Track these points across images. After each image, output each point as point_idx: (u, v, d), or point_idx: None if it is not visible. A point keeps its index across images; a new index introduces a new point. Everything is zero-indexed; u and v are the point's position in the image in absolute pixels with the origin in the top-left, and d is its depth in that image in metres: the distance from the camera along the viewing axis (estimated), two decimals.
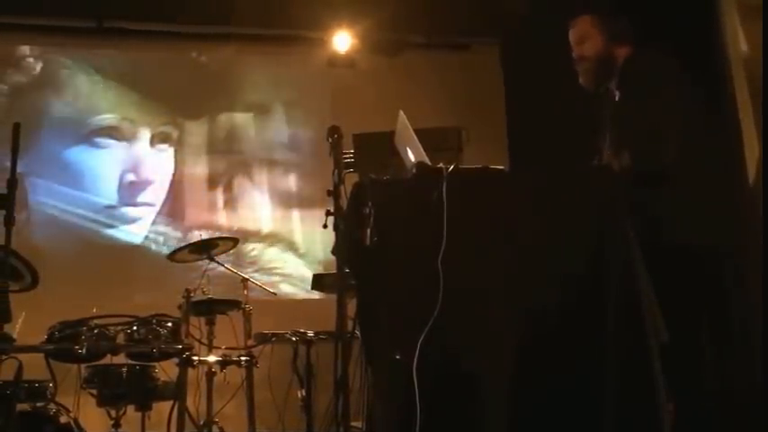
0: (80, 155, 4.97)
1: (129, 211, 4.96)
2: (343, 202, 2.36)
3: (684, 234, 2.18)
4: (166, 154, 5.12)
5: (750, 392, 2.62)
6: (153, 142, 5.09)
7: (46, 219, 4.82)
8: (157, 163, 5.08)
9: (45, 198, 4.84)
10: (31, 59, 5.00)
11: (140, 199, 5.00)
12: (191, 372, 3.43)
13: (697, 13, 3.52)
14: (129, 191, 4.99)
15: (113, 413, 3.35)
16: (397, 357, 2.09)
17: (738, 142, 3.25)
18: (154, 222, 4.98)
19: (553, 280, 2.12)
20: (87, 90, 5.05)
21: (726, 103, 3.37)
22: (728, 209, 2.18)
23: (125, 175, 4.99)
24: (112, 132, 5.04)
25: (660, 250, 2.12)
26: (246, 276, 3.94)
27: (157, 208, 5.01)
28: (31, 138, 4.76)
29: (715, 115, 2.94)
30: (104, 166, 4.97)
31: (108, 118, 5.04)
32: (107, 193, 4.95)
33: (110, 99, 5.06)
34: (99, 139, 5.01)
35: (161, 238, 4.94)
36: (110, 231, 4.91)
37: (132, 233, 4.94)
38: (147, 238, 4.94)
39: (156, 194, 5.03)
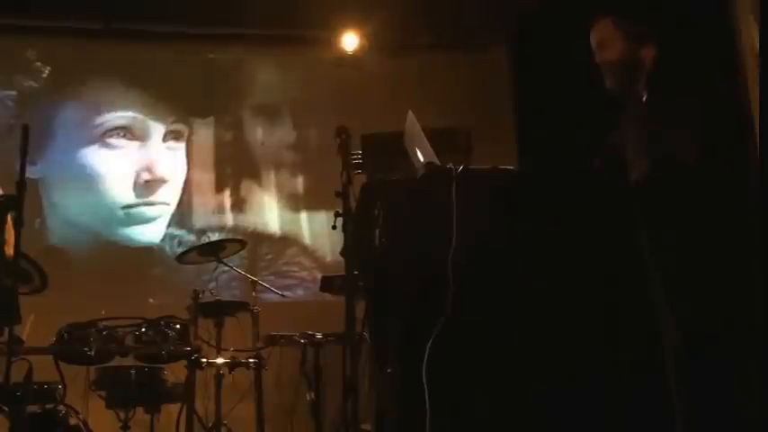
0: (93, 156, 4.96)
1: (145, 211, 4.95)
2: (353, 203, 2.34)
3: (703, 237, 2.15)
4: (179, 152, 5.11)
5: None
6: (165, 140, 5.09)
7: (61, 222, 4.82)
8: (170, 161, 5.07)
9: (60, 201, 4.84)
10: (39, 63, 5.01)
11: (155, 198, 4.99)
12: (199, 374, 3.43)
13: (713, 9, 3.49)
14: (144, 190, 4.97)
15: (122, 415, 3.35)
16: (389, 371, 2.08)
17: (753, 138, 3.22)
18: (168, 224, 4.98)
19: (563, 281, 2.11)
20: (96, 91, 5.05)
21: (742, 98, 3.34)
22: (749, 209, 2.15)
23: (139, 175, 4.98)
24: (124, 132, 5.03)
25: (678, 253, 2.10)
26: (255, 278, 3.93)
27: (172, 208, 5.00)
28: (43, 142, 4.78)
29: (733, 112, 2.90)
30: (118, 166, 4.96)
31: (119, 118, 5.04)
32: (122, 193, 4.93)
33: (120, 99, 5.06)
34: (111, 140, 5.00)
35: (175, 241, 4.94)
36: (125, 233, 4.90)
37: (147, 235, 4.94)
38: (162, 240, 4.94)
39: (170, 193, 5.02)
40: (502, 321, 2.10)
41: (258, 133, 5.27)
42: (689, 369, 2.09)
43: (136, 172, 4.97)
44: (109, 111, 5.02)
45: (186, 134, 5.13)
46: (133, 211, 4.92)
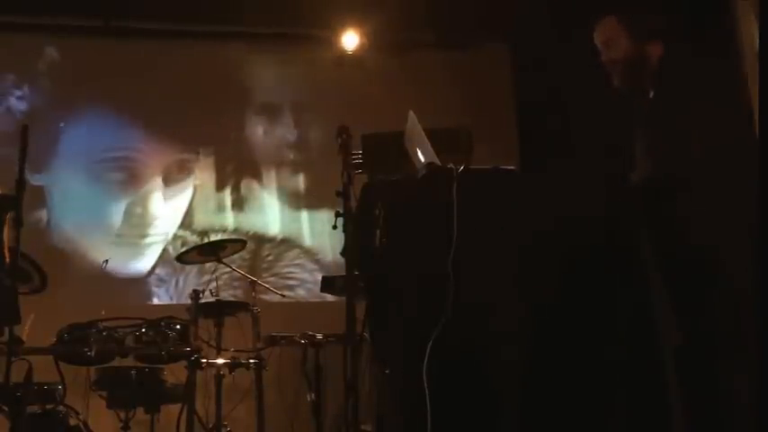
0: (95, 176, 4.93)
1: (141, 240, 4.92)
2: (353, 203, 2.34)
3: (704, 237, 2.15)
4: (185, 175, 5.07)
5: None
6: (170, 171, 5.04)
7: (66, 222, 4.82)
8: (173, 191, 5.03)
9: (62, 210, 4.83)
10: (46, 79, 4.99)
11: (153, 227, 4.95)
12: (199, 374, 3.42)
13: (714, 8, 3.49)
14: (143, 220, 4.94)
15: (123, 415, 3.36)
16: (390, 371, 2.08)
17: (753, 140, 3.22)
18: (178, 226, 4.97)
19: (564, 282, 2.10)
20: (101, 99, 4.99)
21: (743, 99, 3.35)
22: (749, 211, 2.14)
23: (136, 205, 4.95)
24: (131, 153, 5.00)
25: (679, 253, 2.10)
26: (254, 278, 3.93)
27: (180, 216, 4.98)
28: (49, 152, 4.78)
29: (736, 114, 2.91)
30: (124, 185, 4.95)
31: (122, 149, 5.00)
32: (119, 220, 4.91)
33: (123, 116, 5.00)
34: (116, 161, 4.97)
35: (179, 242, 4.93)
36: (130, 235, 4.89)
37: (153, 238, 4.93)
38: (167, 242, 4.93)
39: (176, 202, 5.01)
40: (502, 321, 2.09)
41: (259, 132, 5.26)
42: (689, 369, 2.09)
43: (134, 201, 4.94)
44: (114, 130, 4.96)
45: (193, 158, 5.07)
46: (129, 238, 4.89)
